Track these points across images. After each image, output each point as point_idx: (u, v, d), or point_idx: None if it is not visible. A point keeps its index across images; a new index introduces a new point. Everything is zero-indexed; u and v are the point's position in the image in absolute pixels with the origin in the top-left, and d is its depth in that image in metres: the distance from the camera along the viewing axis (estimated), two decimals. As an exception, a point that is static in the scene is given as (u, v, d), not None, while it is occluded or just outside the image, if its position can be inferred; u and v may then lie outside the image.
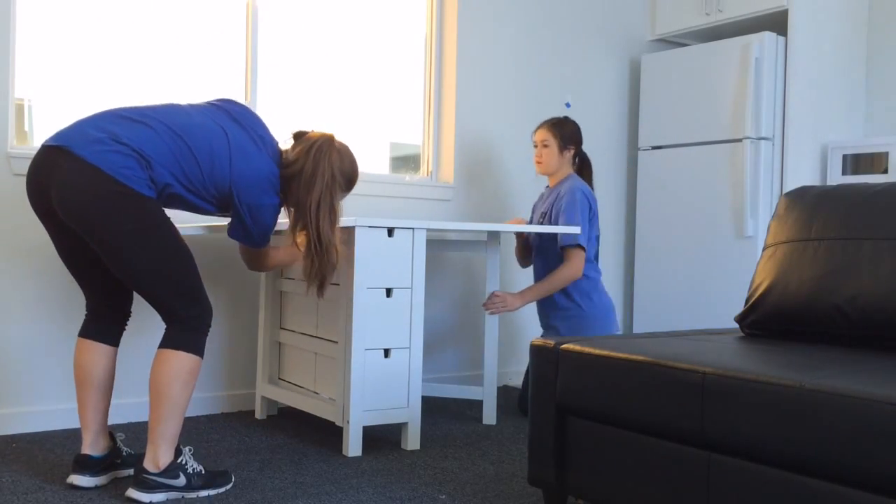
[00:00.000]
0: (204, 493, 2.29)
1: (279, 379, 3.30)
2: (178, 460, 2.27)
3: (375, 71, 3.95)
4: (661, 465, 1.83)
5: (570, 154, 3.54)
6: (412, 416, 2.86)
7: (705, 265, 4.19)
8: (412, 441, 2.86)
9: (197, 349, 2.26)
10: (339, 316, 2.83)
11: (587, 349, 2.02)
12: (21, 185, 2.99)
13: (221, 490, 2.34)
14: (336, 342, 2.87)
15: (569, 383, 2.05)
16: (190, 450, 2.34)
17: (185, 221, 3.22)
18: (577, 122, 4.45)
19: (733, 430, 1.66)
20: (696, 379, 1.75)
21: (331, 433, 3.06)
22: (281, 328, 3.27)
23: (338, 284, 2.78)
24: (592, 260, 3.45)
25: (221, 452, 2.76)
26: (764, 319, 2.29)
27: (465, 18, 4.03)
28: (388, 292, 2.80)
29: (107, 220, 2.14)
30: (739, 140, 4.05)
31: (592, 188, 3.55)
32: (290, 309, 3.21)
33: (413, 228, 2.84)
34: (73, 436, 2.95)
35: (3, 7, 2.94)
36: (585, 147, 4.46)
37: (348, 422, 2.73)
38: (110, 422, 3.05)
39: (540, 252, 3.51)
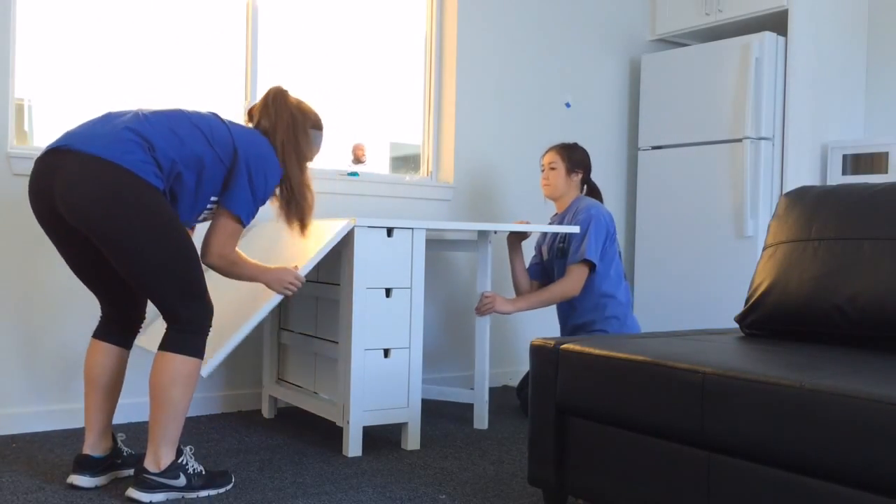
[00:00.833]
0: (204, 494, 2.29)
1: (280, 379, 3.30)
2: (179, 460, 2.27)
3: (375, 71, 3.95)
4: (661, 465, 1.83)
5: (577, 178, 3.49)
6: (412, 416, 2.86)
7: (705, 265, 4.19)
8: (412, 441, 2.86)
9: (196, 352, 2.25)
10: (338, 316, 2.82)
11: (587, 349, 2.02)
12: (21, 184, 2.99)
13: (221, 490, 2.34)
14: (336, 342, 2.87)
15: (569, 383, 2.05)
16: (191, 450, 2.34)
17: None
18: (577, 122, 4.46)
19: (733, 430, 1.66)
20: (696, 379, 1.75)
21: (331, 433, 3.06)
22: (281, 328, 3.27)
23: (311, 222, 2.63)
24: (623, 280, 3.39)
25: (221, 452, 2.76)
26: (764, 319, 2.29)
27: (465, 18, 4.03)
28: (388, 292, 2.80)
29: (112, 212, 2.12)
30: (739, 140, 4.05)
31: None
32: (290, 309, 3.21)
33: (412, 228, 2.84)
34: (73, 436, 2.95)
35: (3, 7, 2.94)
36: (586, 146, 4.48)
37: (348, 422, 2.73)
38: (110, 422, 3.06)
39: (559, 268, 3.44)
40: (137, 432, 3.01)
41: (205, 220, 2.45)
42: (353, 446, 2.74)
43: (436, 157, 4.09)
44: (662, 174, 4.42)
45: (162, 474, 2.23)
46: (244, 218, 2.35)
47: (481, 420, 3.20)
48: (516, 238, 3.55)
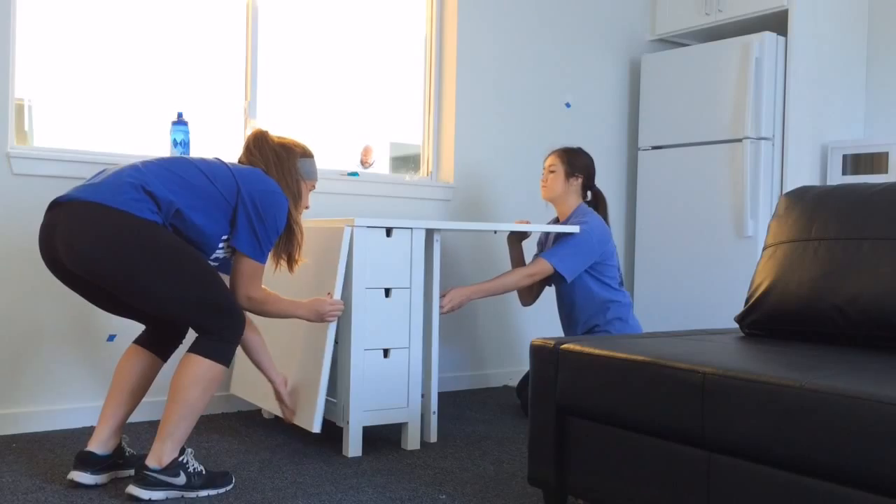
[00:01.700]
0: (203, 493, 2.30)
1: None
2: (180, 459, 2.27)
3: (375, 71, 3.95)
4: (661, 465, 1.83)
5: (576, 182, 3.41)
6: (412, 416, 2.86)
7: (705, 265, 4.19)
8: (412, 441, 2.86)
9: (224, 359, 2.27)
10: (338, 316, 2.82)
11: (587, 349, 2.02)
12: (21, 184, 2.99)
13: (221, 491, 2.34)
14: (336, 342, 2.87)
15: (569, 383, 2.05)
16: (191, 451, 2.34)
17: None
18: (577, 122, 4.46)
19: (733, 430, 1.66)
20: (696, 379, 1.75)
21: (331, 433, 3.06)
22: (281, 328, 3.27)
23: (306, 262, 2.69)
24: (620, 287, 3.37)
25: (221, 452, 2.76)
26: (764, 319, 2.29)
27: (465, 18, 4.03)
28: (387, 292, 2.80)
29: (113, 255, 2.13)
30: (739, 140, 4.05)
31: (608, 225, 3.41)
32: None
33: (412, 228, 2.84)
34: (73, 436, 2.95)
35: (3, 7, 2.94)
36: (586, 146, 4.48)
37: (348, 422, 2.73)
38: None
39: (560, 295, 3.43)
40: (138, 432, 3.01)
41: (218, 260, 2.43)
42: (353, 446, 2.74)
43: (436, 157, 4.09)
44: (662, 174, 4.42)
45: (163, 472, 2.23)
46: (256, 257, 2.36)
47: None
48: (516, 238, 3.53)
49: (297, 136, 2.62)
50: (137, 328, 3.08)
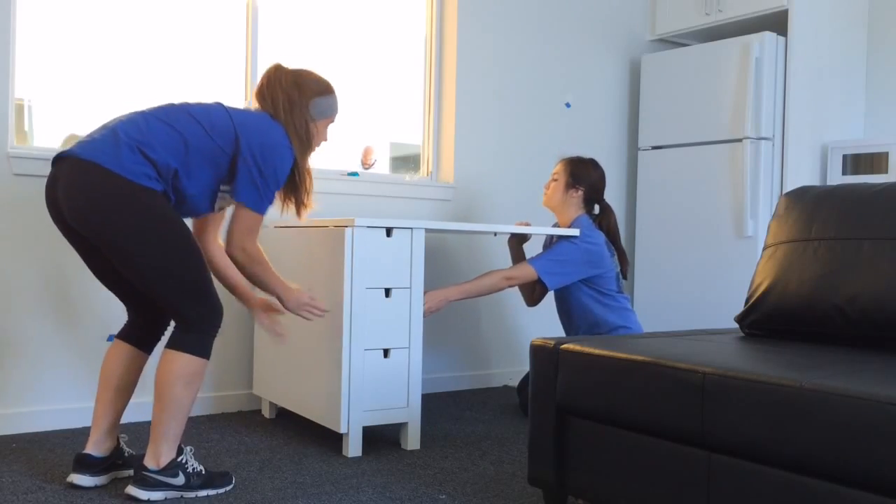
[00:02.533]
0: (203, 493, 2.29)
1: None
2: (179, 459, 2.27)
3: (375, 71, 3.95)
4: (661, 465, 1.83)
5: (576, 195, 3.32)
6: (412, 416, 2.86)
7: (705, 265, 4.19)
8: (412, 441, 2.86)
9: (202, 351, 2.25)
10: (338, 316, 2.82)
11: (587, 349, 2.02)
12: (21, 184, 2.99)
13: (221, 491, 2.33)
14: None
15: (569, 383, 2.05)
16: (191, 450, 2.34)
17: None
18: (577, 122, 4.46)
19: (733, 430, 1.66)
20: (696, 379, 1.75)
21: (331, 433, 3.06)
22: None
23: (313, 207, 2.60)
24: (618, 293, 3.30)
25: (221, 452, 2.76)
26: (764, 319, 2.29)
27: (465, 18, 4.03)
28: (387, 292, 2.80)
29: (109, 218, 2.13)
30: (739, 140, 4.05)
31: (613, 241, 3.33)
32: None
33: (412, 228, 2.84)
34: (73, 436, 2.95)
35: (3, 7, 2.94)
36: (586, 146, 4.48)
37: (348, 422, 2.73)
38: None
39: (557, 300, 3.39)
40: (138, 432, 3.01)
41: (222, 208, 2.44)
42: (353, 446, 2.74)
43: (436, 157, 4.09)
44: (662, 174, 4.42)
45: (161, 472, 2.23)
46: (255, 209, 2.32)
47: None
48: (517, 242, 3.50)
49: (316, 69, 2.53)
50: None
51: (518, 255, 3.50)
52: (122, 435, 2.48)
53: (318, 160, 3.78)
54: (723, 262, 4.11)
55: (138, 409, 3.20)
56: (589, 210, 3.40)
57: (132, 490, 2.22)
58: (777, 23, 4.19)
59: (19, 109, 3.10)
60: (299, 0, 3.69)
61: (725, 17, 4.28)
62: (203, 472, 2.31)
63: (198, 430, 3.07)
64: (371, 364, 2.77)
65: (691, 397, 1.75)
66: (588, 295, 3.28)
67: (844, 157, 4.06)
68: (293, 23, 3.68)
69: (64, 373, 3.07)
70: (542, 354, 2.13)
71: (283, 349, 3.15)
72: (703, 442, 1.74)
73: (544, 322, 4.33)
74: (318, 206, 3.60)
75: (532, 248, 3.94)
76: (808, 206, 2.33)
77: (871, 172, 3.95)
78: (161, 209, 2.19)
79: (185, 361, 2.22)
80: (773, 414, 1.59)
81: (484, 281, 3.17)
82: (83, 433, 2.98)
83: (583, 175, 3.34)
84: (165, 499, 2.24)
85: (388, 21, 3.98)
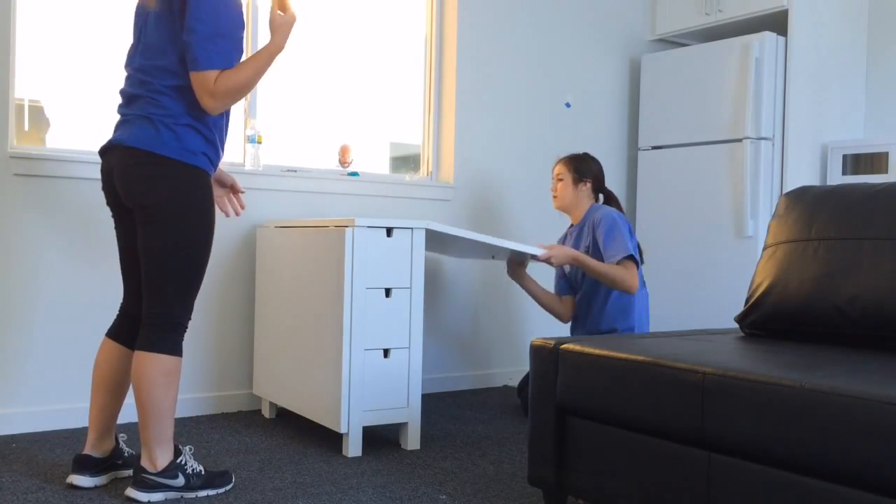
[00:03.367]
0: (203, 494, 2.29)
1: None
2: (178, 460, 2.27)
3: (375, 71, 3.95)
4: (661, 465, 1.83)
5: (586, 187, 3.37)
6: (412, 416, 2.86)
7: (705, 265, 4.19)
8: (412, 441, 2.86)
9: (175, 350, 2.25)
10: (338, 316, 2.82)
11: (587, 349, 2.02)
12: (21, 184, 2.99)
13: (221, 490, 2.33)
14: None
15: (569, 383, 2.05)
16: (190, 449, 2.34)
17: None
18: (577, 122, 4.46)
19: (733, 430, 1.66)
20: (696, 379, 1.75)
21: (331, 433, 3.06)
22: (281, 328, 3.27)
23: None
24: (643, 287, 3.31)
25: (221, 452, 2.76)
26: (764, 319, 2.29)
27: (465, 18, 4.03)
28: (388, 292, 2.80)
29: (154, 193, 2.20)
30: (739, 140, 4.05)
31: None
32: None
33: (412, 228, 2.84)
34: (73, 436, 2.95)
35: (3, 7, 2.94)
36: (586, 146, 4.48)
37: (348, 422, 2.73)
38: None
39: (585, 296, 3.33)
40: (138, 432, 3.01)
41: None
42: (353, 446, 2.74)
43: (436, 157, 4.09)
44: (662, 174, 4.42)
45: (160, 474, 2.23)
46: (225, 60, 2.22)
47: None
48: (517, 266, 3.41)
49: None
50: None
51: (524, 280, 3.41)
52: (122, 435, 2.48)
53: (318, 160, 3.79)
54: (723, 262, 4.11)
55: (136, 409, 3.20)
56: (595, 200, 3.45)
57: (131, 492, 2.21)
58: (777, 23, 4.19)
59: (19, 109, 3.10)
60: (299, 0, 3.69)
61: (725, 17, 4.28)
62: (203, 472, 2.31)
63: (198, 430, 3.07)
64: (371, 364, 2.77)
65: (691, 397, 1.75)
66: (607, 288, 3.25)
67: (844, 157, 4.06)
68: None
69: (64, 373, 3.07)
70: (542, 354, 2.13)
71: (283, 349, 3.15)
72: (703, 442, 1.74)
73: (544, 322, 4.33)
74: (319, 207, 3.61)
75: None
76: (808, 206, 2.33)
77: (871, 172, 3.95)
78: (200, 191, 2.26)
79: (159, 362, 2.22)
80: (773, 414, 1.59)
81: (613, 276, 3.09)
82: (83, 433, 2.98)
83: (585, 168, 3.40)
84: (165, 500, 2.24)
85: (388, 21, 3.98)
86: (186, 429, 3.07)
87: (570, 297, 3.46)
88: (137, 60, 2.29)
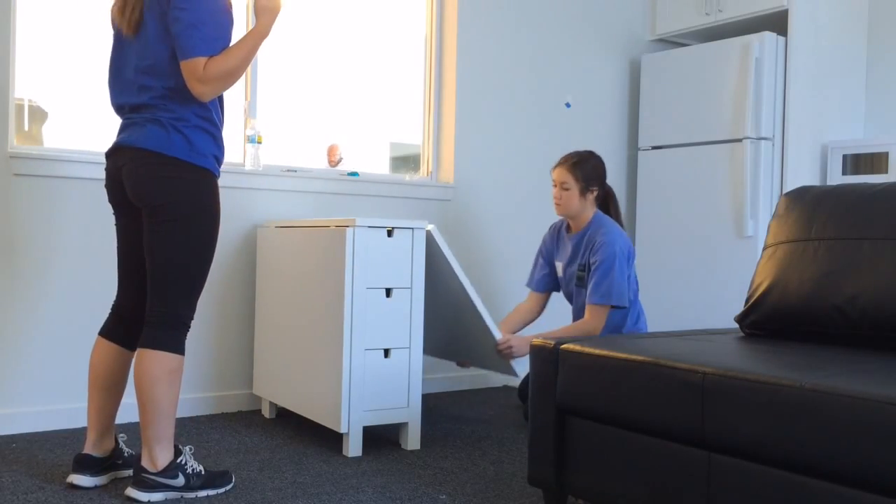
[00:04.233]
0: (203, 493, 2.29)
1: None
2: (178, 460, 2.27)
3: (375, 71, 3.95)
4: (661, 465, 1.83)
5: (592, 196, 3.25)
6: (412, 416, 2.86)
7: (705, 265, 4.19)
8: (412, 441, 2.86)
9: (178, 348, 2.25)
10: (338, 316, 2.82)
11: (587, 349, 2.02)
12: (21, 184, 2.99)
13: (221, 490, 2.33)
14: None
15: (569, 383, 2.05)
16: (190, 449, 2.34)
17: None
18: (577, 121, 4.46)
19: (733, 430, 1.66)
20: (696, 379, 1.75)
21: (331, 433, 3.06)
22: (281, 328, 3.27)
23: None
24: (636, 301, 3.25)
25: (221, 452, 2.76)
26: (764, 319, 2.29)
27: (465, 18, 4.03)
28: (388, 292, 2.80)
29: (168, 189, 2.22)
30: (739, 140, 4.05)
31: (622, 226, 3.28)
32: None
33: (413, 228, 2.84)
34: (73, 436, 2.95)
35: (3, 7, 2.95)
36: (586, 146, 4.48)
37: (348, 422, 2.73)
38: (110, 422, 3.06)
39: (581, 309, 3.26)
40: (137, 432, 3.01)
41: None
42: (353, 446, 2.74)
43: (436, 157, 4.09)
44: (662, 174, 4.42)
45: (160, 474, 2.23)
46: (216, 44, 2.22)
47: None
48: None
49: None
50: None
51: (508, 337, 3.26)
52: (121, 434, 2.48)
53: (318, 160, 3.79)
54: (723, 262, 4.11)
55: (137, 408, 3.19)
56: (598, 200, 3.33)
57: (132, 492, 2.22)
58: (777, 23, 4.19)
59: (19, 109, 3.10)
60: (299, 0, 3.69)
61: (725, 17, 4.28)
62: (203, 472, 2.31)
63: (198, 430, 3.07)
64: (371, 364, 2.77)
65: (691, 397, 1.75)
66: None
67: (844, 157, 4.06)
68: (293, 23, 3.68)
69: (64, 373, 3.07)
70: (542, 354, 2.13)
71: (283, 349, 3.15)
72: (703, 442, 1.74)
73: (544, 322, 4.33)
74: (319, 207, 3.61)
75: (529, 249, 3.91)
76: (808, 206, 2.33)
77: (871, 172, 3.95)
78: (209, 196, 2.29)
79: (163, 360, 2.22)
80: (773, 414, 1.59)
81: (577, 331, 3.09)
82: (83, 433, 2.98)
83: (591, 175, 3.25)
84: (165, 499, 2.24)
85: (388, 21, 3.98)
86: (186, 429, 3.07)
87: (545, 295, 3.42)
88: (130, 71, 2.31)
